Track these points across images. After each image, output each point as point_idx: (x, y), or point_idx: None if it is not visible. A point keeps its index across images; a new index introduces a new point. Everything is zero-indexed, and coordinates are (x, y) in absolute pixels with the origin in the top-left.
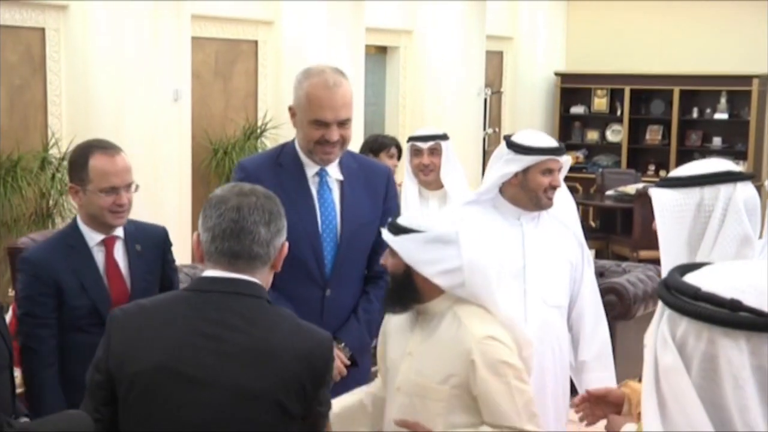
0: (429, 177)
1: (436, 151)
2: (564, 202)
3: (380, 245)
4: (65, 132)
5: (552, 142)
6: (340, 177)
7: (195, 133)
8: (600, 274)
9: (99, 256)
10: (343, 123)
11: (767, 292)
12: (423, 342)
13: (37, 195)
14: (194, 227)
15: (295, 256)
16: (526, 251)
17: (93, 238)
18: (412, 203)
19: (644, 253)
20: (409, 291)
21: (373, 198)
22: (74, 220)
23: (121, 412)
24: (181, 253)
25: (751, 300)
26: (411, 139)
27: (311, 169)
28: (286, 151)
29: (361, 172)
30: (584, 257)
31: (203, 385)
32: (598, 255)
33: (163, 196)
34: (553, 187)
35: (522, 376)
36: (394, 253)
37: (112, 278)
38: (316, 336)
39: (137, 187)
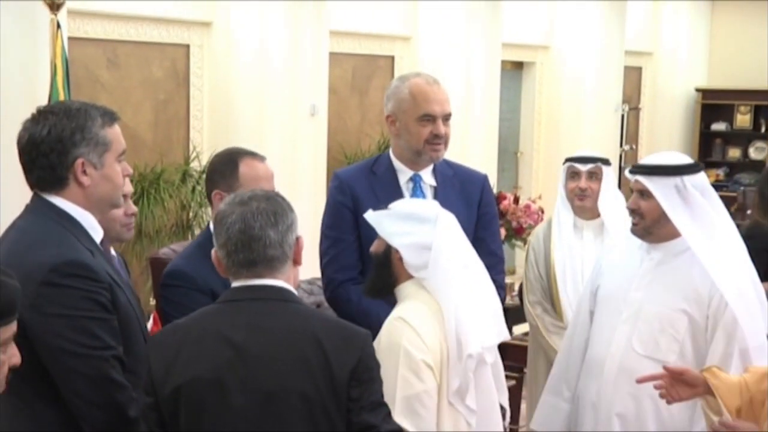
0: (584, 203)
1: (595, 176)
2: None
3: (479, 251)
4: (206, 146)
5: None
6: (434, 183)
7: (331, 146)
8: None
9: None
10: (447, 118)
11: None
12: None
13: (178, 207)
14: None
15: None
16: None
17: None
18: (566, 233)
19: None
20: (385, 272)
21: (468, 205)
22: (207, 227)
23: (171, 429)
24: (312, 265)
25: None
26: (568, 160)
27: (404, 175)
28: (380, 160)
29: (456, 179)
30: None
31: (240, 391)
32: None
33: (299, 208)
34: None
35: (419, 369)
36: (378, 236)
37: None
38: (349, 332)
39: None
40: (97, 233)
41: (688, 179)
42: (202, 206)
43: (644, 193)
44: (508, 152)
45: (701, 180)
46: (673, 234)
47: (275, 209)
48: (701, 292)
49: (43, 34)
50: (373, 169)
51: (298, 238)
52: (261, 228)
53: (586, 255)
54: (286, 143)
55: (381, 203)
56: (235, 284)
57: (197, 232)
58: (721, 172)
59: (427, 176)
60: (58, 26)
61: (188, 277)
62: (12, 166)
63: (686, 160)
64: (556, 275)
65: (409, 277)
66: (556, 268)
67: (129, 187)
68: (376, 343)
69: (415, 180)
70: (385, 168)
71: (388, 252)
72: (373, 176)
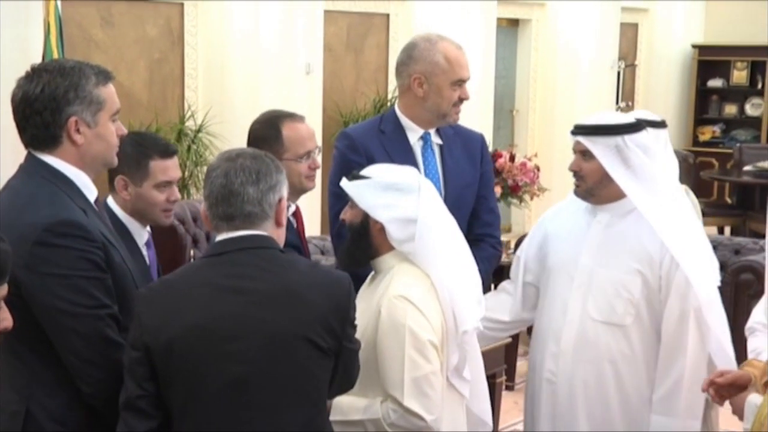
0: None
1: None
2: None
3: (480, 208)
4: (201, 105)
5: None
6: (440, 142)
7: (326, 105)
8: (736, 251)
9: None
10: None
11: None
12: (362, 300)
13: None
14: (324, 198)
15: None
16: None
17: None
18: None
19: None
20: (364, 243)
21: (472, 161)
22: None
23: (162, 381)
24: (313, 224)
25: None
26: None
27: (414, 134)
28: (387, 119)
29: (458, 138)
30: (671, 273)
31: (236, 336)
32: (734, 232)
33: None
34: None
35: (425, 350)
36: (353, 204)
37: (304, 244)
38: (334, 274)
39: (320, 150)
40: (90, 192)
41: (630, 138)
42: (198, 165)
43: (585, 154)
44: (504, 110)
45: (643, 139)
46: (618, 195)
47: (259, 168)
48: (652, 252)
49: None
50: (381, 128)
51: (280, 199)
52: (241, 184)
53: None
54: (281, 102)
55: (394, 162)
56: (218, 238)
57: (193, 191)
58: (717, 129)
59: (434, 135)
60: None
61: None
62: (7, 125)
63: (628, 119)
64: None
65: (391, 248)
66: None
67: (178, 172)
68: (378, 323)
69: (426, 138)
70: (394, 127)
71: (366, 222)
72: (383, 135)
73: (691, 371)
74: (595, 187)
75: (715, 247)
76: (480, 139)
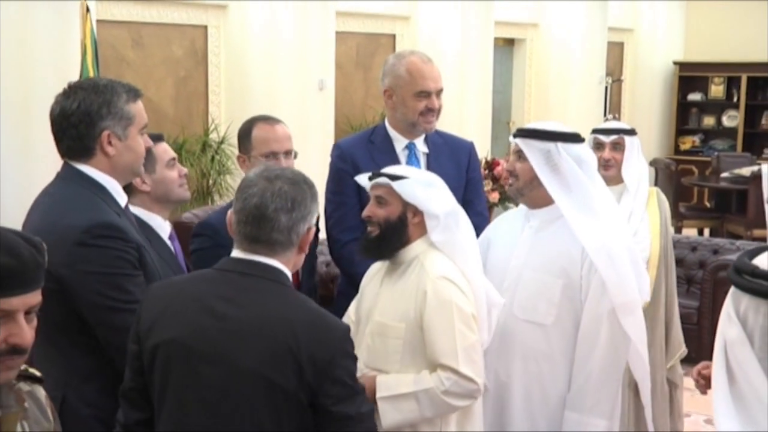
0: (609, 172)
1: (619, 146)
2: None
3: (468, 211)
4: (223, 118)
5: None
6: (426, 150)
7: (338, 118)
8: (714, 251)
9: None
10: (439, 93)
11: None
12: (390, 288)
13: (199, 175)
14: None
15: None
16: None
17: None
18: None
19: (758, 232)
20: (400, 235)
21: (458, 168)
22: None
23: (147, 380)
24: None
25: None
26: (595, 131)
27: (400, 144)
28: (377, 131)
29: (446, 146)
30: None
31: (209, 361)
32: (713, 233)
33: (308, 175)
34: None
35: (470, 322)
36: (385, 202)
37: None
38: (328, 326)
39: (296, 154)
40: (122, 198)
41: (564, 146)
42: (221, 174)
43: (520, 155)
44: (501, 122)
45: (579, 150)
46: (548, 200)
47: (295, 196)
48: (574, 256)
49: (74, 17)
50: (371, 139)
51: (309, 229)
52: (275, 210)
53: None
54: (296, 115)
55: (379, 169)
56: (234, 253)
57: (216, 198)
58: (696, 139)
59: (420, 144)
60: (88, 10)
61: (214, 229)
62: (47, 134)
63: (568, 129)
64: None
65: (417, 239)
66: None
67: (172, 153)
68: (424, 303)
69: (410, 147)
70: (382, 137)
71: (404, 216)
72: (372, 145)
73: (600, 370)
74: (524, 187)
75: (695, 248)
76: (468, 147)
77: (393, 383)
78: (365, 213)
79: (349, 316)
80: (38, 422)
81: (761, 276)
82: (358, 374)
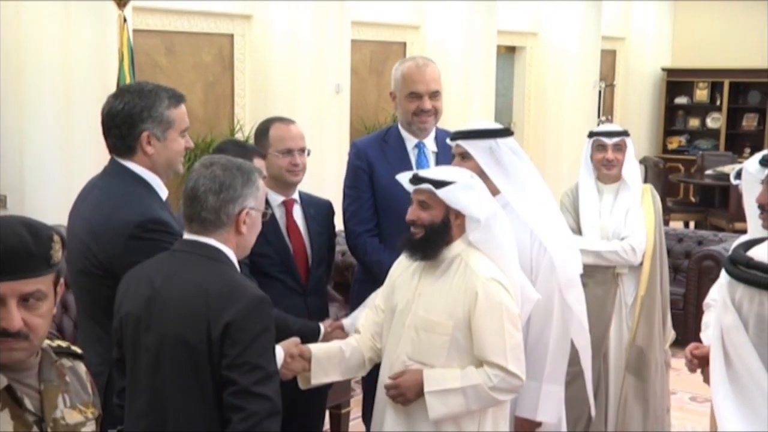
0: (612, 171)
1: (619, 147)
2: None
3: None
4: (248, 119)
5: None
6: (435, 149)
7: (353, 119)
8: (699, 242)
9: (280, 215)
10: (434, 95)
11: None
12: (432, 284)
13: None
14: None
15: (401, 216)
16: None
17: (275, 199)
18: (590, 194)
19: (739, 225)
20: (444, 237)
21: None
22: None
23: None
24: (340, 219)
25: None
26: (594, 134)
27: (411, 143)
28: (391, 131)
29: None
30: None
31: (146, 330)
32: (698, 226)
33: (327, 173)
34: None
35: (516, 322)
36: (429, 206)
37: (293, 233)
38: (237, 292)
39: (309, 152)
40: (163, 192)
41: (501, 141)
42: None
43: (465, 156)
44: (503, 123)
45: (512, 143)
46: (494, 191)
47: (224, 180)
48: (524, 239)
49: (111, 28)
50: (385, 139)
51: (242, 210)
52: (204, 192)
53: (604, 209)
54: (314, 117)
55: (391, 166)
56: (184, 235)
57: None
58: (683, 139)
59: (430, 143)
60: (125, 20)
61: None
62: (87, 134)
63: (498, 125)
64: (581, 225)
65: (459, 236)
66: (582, 220)
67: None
68: (474, 303)
69: (420, 147)
70: (395, 137)
71: (447, 219)
72: (385, 144)
73: (555, 341)
74: None
75: (681, 239)
76: None
77: (440, 378)
78: (409, 217)
79: (377, 306)
80: (78, 395)
81: (755, 267)
82: (401, 366)
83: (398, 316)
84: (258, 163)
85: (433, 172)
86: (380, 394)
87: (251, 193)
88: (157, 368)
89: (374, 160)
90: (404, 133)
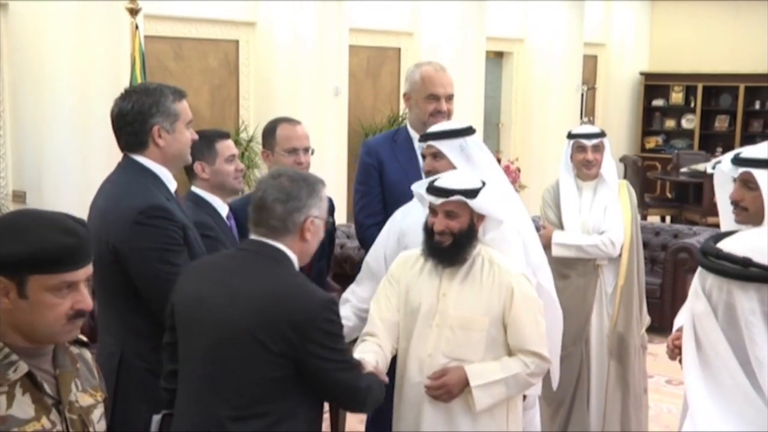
0: (591, 171)
1: (598, 148)
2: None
3: None
4: (252, 120)
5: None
6: None
7: (351, 121)
8: (675, 236)
9: None
10: (449, 98)
11: None
12: (459, 284)
13: None
14: (349, 194)
15: None
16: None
17: None
18: (570, 191)
19: (711, 219)
20: (472, 240)
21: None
22: None
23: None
24: (339, 214)
25: (759, 258)
26: (574, 136)
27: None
28: (400, 131)
29: None
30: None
31: (210, 319)
32: (674, 220)
33: (326, 170)
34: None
35: (542, 311)
36: (456, 215)
37: None
38: (307, 294)
39: (313, 151)
40: (171, 185)
41: (469, 139)
42: (250, 168)
43: (437, 155)
44: (492, 123)
45: (478, 140)
46: None
47: (291, 191)
48: None
49: (124, 34)
50: (395, 138)
51: (306, 219)
52: (272, 201)
53: (584, 205)
54: (315, 118)
55: (400, 164)
56: (250, 236)
57: (247, 189)
58: (659, 139)
59: None
60: (137, 27)
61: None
62: (102, 134)
63: (464, 125)
64: (563, 220)
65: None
66: (563, 216)
67: (234, 150)
68: (511, 299)
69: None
70: (404, 137)
71: (473, 224)
72: (395, 143)
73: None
74: None
75: (658, 233)
76: None
77: (483, 372)
78: (438, 228)
79: (392, 307)
80: (87, 380)
81: (724, 258)
82: (439, 365)
83: (423, 317)
84: (221, 145)
85: (452, 180)
86: (410, 394)
87: (315, 203)
88: (214, 357)
89: (384, 157)
90: (413, 133)
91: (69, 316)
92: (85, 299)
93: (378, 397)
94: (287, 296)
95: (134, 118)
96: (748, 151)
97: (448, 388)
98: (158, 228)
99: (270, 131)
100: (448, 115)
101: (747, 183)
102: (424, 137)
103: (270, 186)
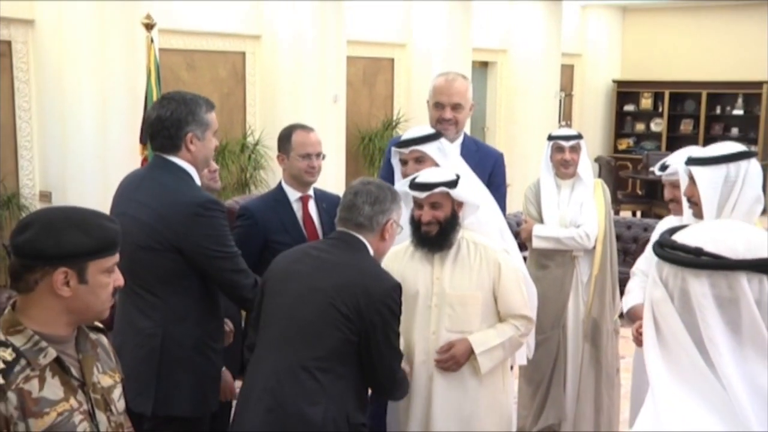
0: (569, 170)
1: (575, 149)
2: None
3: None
4: (258, 125)
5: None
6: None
7: (348, 125)
8: (645, 229)
9: (297, 209)
10: (456, 107)
11: (722, 241)
12: (450, 267)
13: (238, 170)
14: None
15: None
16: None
17: (293, 194)
18: (549, 189)
19: None
20: (456, 226)
21: (482, 173)
22: (279, 183)
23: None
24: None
25: (710, 247)
26: (553, 138)
27: None
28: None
29: (477, 153)
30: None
31: (298, 281)
32: (644, 215)
33: (326, 171)
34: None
35: (523, 279)
36: (440, 205)
37: (307, 223)
38: (383, 274)
39: (324, 156)
40: (199, 183)
41: (443, 141)
42: (256, 169)
43: (419, 159)
44: (478, 127)
45: (446, 142)
46: None
47: (378, 195)
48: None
49: (140, 47)
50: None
51: (388, 221)
52: (362, 203)
53: (562, 201)
54: (315, 123)
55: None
56: (337, 228)
57: (252, 188)
58: (631, 141)
59: (459, 149)
60: (152, 41)
61: (251, 212)
62: (120, 139)
63: (432, 131)
64: (543, 215)
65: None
66: (543, 211)
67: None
68: (499, 272)
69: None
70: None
71: (455, 211)
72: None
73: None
74: None
75: (629, 227)
76: (495, 156)
77: (484, 339)
78: (426, 219)
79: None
80: (107, 363)
81: (678, 248)
82: (443, 339)
83: (422, 301)
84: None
85: (432, 176)
86: (417, 373)
87: (396, 209)
88: (294, 314)
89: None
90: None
91: (112, 293)
92: (120, 277)
93: (404, 391)
94: (366, 270)
95: (171, 124)
96: (696, 152)
97: (457, 359)
98: (215, 218)
99: (286, 137)
100: (455, 123)
101: (694, 180)
102: (406, 143)
103: (360, 190)
